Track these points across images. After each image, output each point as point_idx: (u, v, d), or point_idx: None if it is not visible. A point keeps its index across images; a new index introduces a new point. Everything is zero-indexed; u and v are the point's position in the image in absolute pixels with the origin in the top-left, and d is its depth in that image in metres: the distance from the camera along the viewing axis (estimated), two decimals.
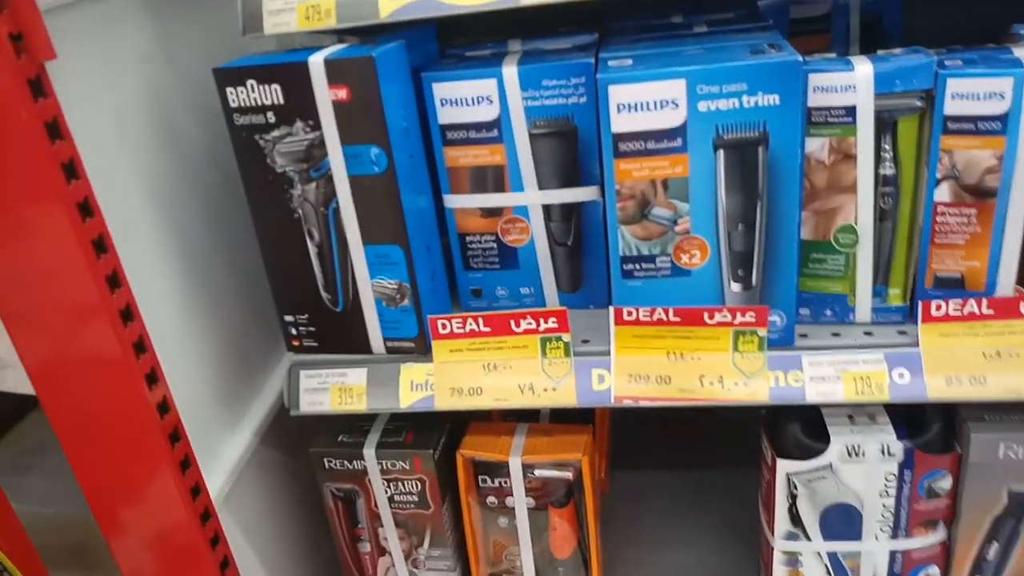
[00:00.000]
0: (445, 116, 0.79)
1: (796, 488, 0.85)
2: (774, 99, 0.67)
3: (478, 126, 0.79)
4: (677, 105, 0.68)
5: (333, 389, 0.83)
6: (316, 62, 0.71)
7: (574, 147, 0.79)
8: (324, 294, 0.81)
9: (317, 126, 0.73)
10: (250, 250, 0.82)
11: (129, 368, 0.67)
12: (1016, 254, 0.72)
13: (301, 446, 0.94)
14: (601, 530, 1.04)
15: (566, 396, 0.79)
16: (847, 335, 0.78)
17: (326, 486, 0.95)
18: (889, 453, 0.81)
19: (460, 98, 0.78)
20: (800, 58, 0.65)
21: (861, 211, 0.73)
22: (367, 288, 0.80)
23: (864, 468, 0.82)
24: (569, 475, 0.91)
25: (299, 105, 0.73)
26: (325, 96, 0.72)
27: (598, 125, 0.76)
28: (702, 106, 0.68)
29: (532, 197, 0.82)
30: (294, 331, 0.84)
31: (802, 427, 0.84)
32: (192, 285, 0.83)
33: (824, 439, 0.84)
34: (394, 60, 0.73)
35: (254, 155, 0.76)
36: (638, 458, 1.24)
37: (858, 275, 0.76)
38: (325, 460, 0.93)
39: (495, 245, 0.85)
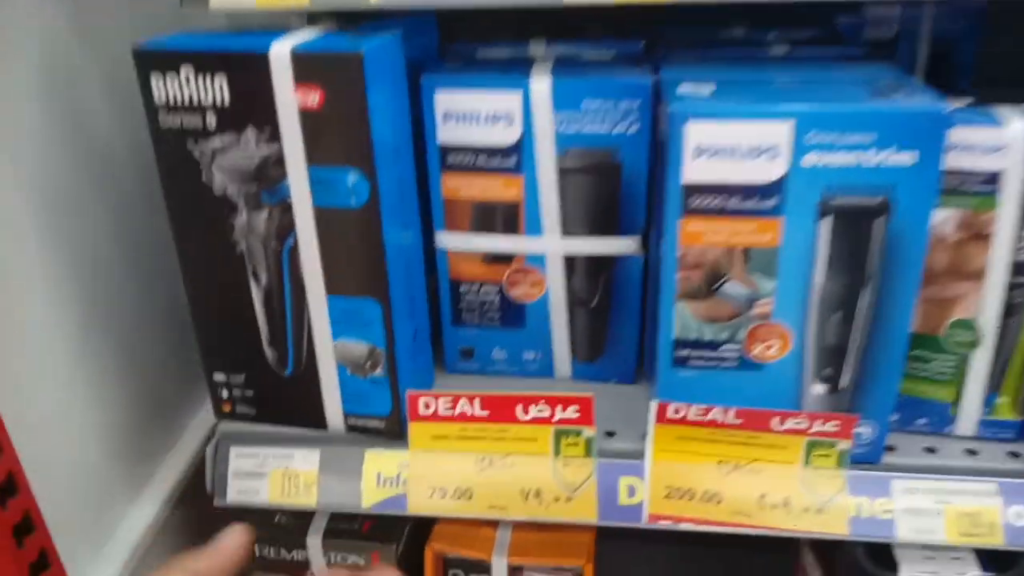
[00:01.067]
0: (448, 134, 0.59)
1: None
2: (908, 158, 0.49)
3: (491, 151, 0.59)
4: (776, 155, 0.50)
5: (274, 474, 0.63)
6: (280, 54, 0.51)
7: (615, 188, 0.60)
8: (269, 351, 0.61)
9: (275, 137, 0.53)
10: (172, 274, 0.61)
11: None
12: None
13: (225, 521, 0.74)
14: None
15: (584, 509, 0.60)
16: (945, 452, 0.61)
17: None
18: None
19: (471, 113, 0.58)
20: (945, 108, 0.48)
21: (988, 304, 0.56)
22: (327, 349, 0.60)
23: None
24: None
25: (251, 108, 0.53)
26: (289, 100, 0.52)
27: (653, 165, 0.58)
28: (809, 160, 0.49)
29: (553, 244, 0.63)
30: (225, 393, 0.64)
31: (866, 549, 0.68)
32: (91, 312, 0.62)
33: (889, 565, 0.68)
34: (387, 58, 0.53)
35: (184, 168, 0.55)
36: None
37: (969, 381, 0.59)
38: (257, 547, 0.73)
39: (497, 299, 0.66)
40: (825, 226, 0.51)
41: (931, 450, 0.61)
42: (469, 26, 0.69)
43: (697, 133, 0.49)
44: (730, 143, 0.50)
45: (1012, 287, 0.56)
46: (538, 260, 0.64)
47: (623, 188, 0.60)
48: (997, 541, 0.57)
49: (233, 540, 0.49)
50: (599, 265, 0.63)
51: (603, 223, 0.61)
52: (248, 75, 0.51)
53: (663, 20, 0.72)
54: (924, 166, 0.49)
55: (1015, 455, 0.60)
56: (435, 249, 0.65)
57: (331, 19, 0.63)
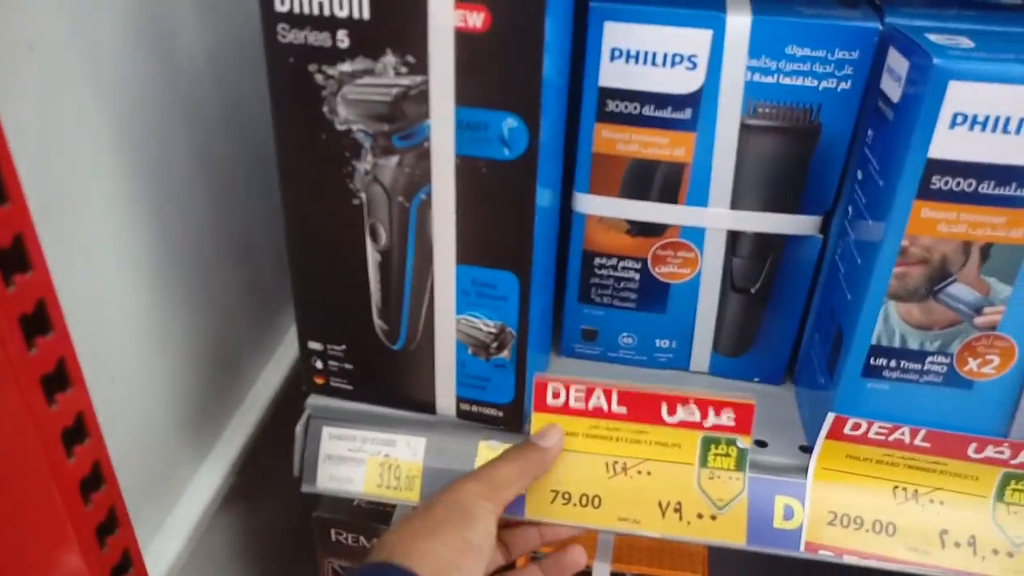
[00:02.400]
0: (612, 76, 0.49)
1: None
2: None
3: (663, 99, 0.50)
4: None
5: (371, 463, 0.55)
6: None
7: (807, 155, 0.50)
8: (378, 322, 0.52)
9: (421, 67, 0.43)
10: (248, 211, 0.52)
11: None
12: None
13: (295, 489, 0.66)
14: None
15: (730, 530, 0.52)
16: None
17: (329, 562, 0.68)
18: None
19: (645, 52, 0.48)
20: None
21: None
22: (448, 325, 0.51)
23: None
24: None
25: (395, 26, 0.43)
26: (446, 19, 0.42)
27: (857, 130, 0.48)
28: None
29: (718, 217, 0.53)
30: (319, 363, 0.55)
31: None
32: (164, 251, 0.53)
33: None
34: None
35: (304, 95, 0.46)
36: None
37: None
38: (333, 531, 0.65)
39: (638, 275, 0.56)
40: None
41: None
42: None
43: (960, 96, 0.39)
44: (997, 111, 0.40)
45: None
46: (696, 235, 0.54)
47: (817, 156, 0.50)
48: None
49: (557, 438, 0.52)
50: (768, 245, 0.54)
51: (783, 196, 0.52)
52: None
53: None
54: None
55: None
56: (571, 213, 0.55)
57: None
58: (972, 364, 0.47)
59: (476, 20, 0.41)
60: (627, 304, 0.58)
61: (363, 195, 0.48)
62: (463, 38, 0.42)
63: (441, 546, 0.43)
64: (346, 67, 0.44)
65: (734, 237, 0.54)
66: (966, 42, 0.42)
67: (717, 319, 0.58)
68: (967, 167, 0.41)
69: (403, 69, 0.44)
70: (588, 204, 0.54)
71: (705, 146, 0.50)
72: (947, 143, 0.41)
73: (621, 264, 0.56)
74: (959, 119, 0.40)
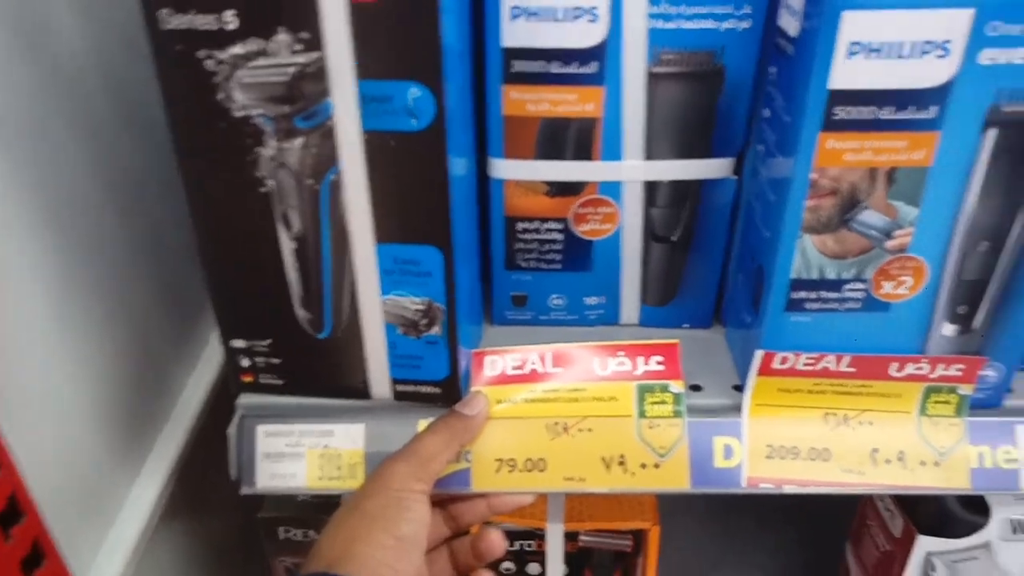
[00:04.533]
0: (515, 35, 0.49)
1: (934, 569, 0.64)
2: None
3: (568, 55, 0.49)
4: (947, 51, 0.41)
5: (310, 455, 0.54)
6: None
7: (713, 98, 0.50)
8: (301, 312, 0.51)
9: (316, 43, 0.41)
10: (158, 211, 0.50)
11: None
12: None
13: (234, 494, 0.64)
14: None
15: (674, 476, 0.53)
16: None
17: (280, 561, 0.66)
18: None
19: (546, 7, 0.47)
20: None
21: None
22: (375, 308, 0.50)
23: None
24: (627, 547, 0.66)
25: (285, 3, 0.41)
26: None
27: (760, 70, 0.48)
28: (985, 56, 0.41)
29: (634, 170, 0.53)
30: (246, 361, 0.54)
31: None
32: (70, 260, 0.51)
33: (981, 509, 0.63)
34: None
35: (194, 84, 0.43)
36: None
37: None
38: (281, 529, 0.64)
39: (561, 236, 0.56)
40: (989, 139, 0.43)
41: None
42: None
43: (854, 25, 0.40)
44: (893, 38, 0.40)
45: None
46: (613, 189, 0.54)
47: (723, 99, 0.50)
48: None
49: (482, 405, 0.52)
50: (684, 192, 0.54)
51: (695, 142, 0.52)
52: None
53: None
54: None
55: None
56: (488, 179, 0.54)
57: None
58: (887, 287, 0.49)
59: None
60: (553, 266, 0.58)
61: (270, 182, 0.46)
62: (357, 9, 0.40)
63: (375, 549, 0.43)
64: (237, 49, 0.42)
65: (651, 188, 0.54)
66: None
67: (642, 271, 0.58)
68: (867, 95, 0.42)
69: (298, 47, 0.42)
70: (504, 169, 0.54)
71: (614, 99, 0.50)
72: (846, 73, 0.41)
73: (544, 227, 0.56)
74: (855, 48, 0.41)
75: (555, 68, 0.49)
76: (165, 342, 0.64)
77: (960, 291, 0.48)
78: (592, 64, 0.49)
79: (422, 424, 0.53)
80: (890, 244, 0.47)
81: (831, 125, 0.43)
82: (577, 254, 0.57)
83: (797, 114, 0.43)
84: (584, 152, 0.52)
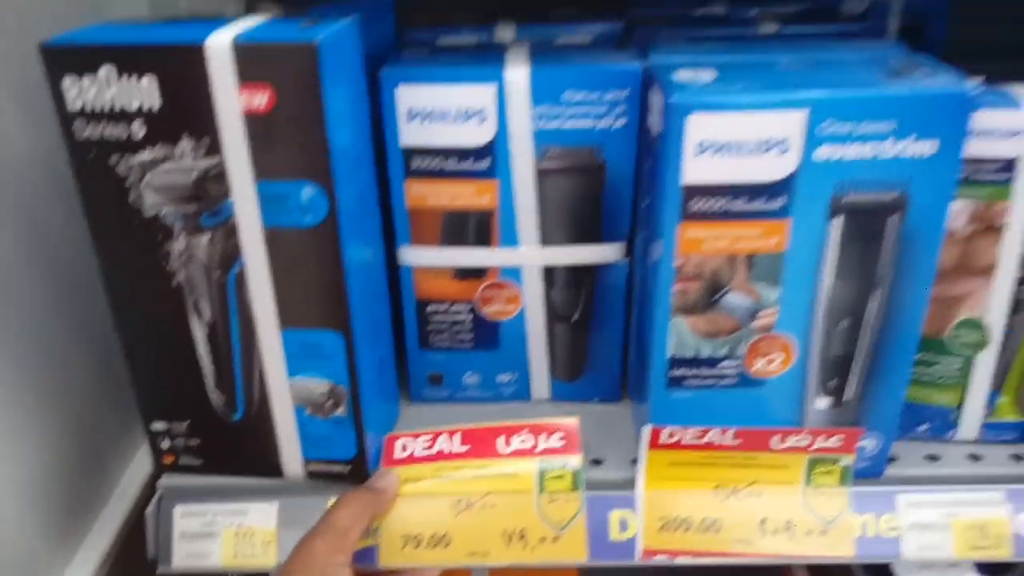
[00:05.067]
0: (412, 135, 0.53)
1: None
2: (926, 148, 0.45)
3: (462, 152, 0.53)
4: (786, 149, 0.45)
5: (226, 534, 0.56)
6: (219, 46, 0.43)
7: (598, 190, 0.55)
8: (215, 394, 0.54)
9: (215, 148, 0.46)
10: (97, 303, 0.53)
11: None
12: None
13: None
14: None
15: (571, 549, 0.55)
16: (948, 459, 0.58)
17: None
18: None
19: (439, 110, 0.52)
20: (970, 87, 0.44)
21: (995, 302, 0.53)
22: (282, 390, 0.53)
23: None
24: None
25: (186, 113, 0.45)
26: (232, 102, 0.44)
27: (640, 163, 0.53)
28: (822, 153, 0.45)
29: (531, 255, 0.57)
30: (166, 443, 0.56)
31: (864, 565, 0.65)
32: (6, 358, 0.53)
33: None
34: (344, 48, 0.47)
35: (109, 187, 0.47)
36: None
37: (973, 384, 0.56)
38: None
39: (469, 317, 0.60)
40: (836, 226, 0.47)
41: (934, 458, 0.58)
42: (428, 8, 0.62)
43: (700, 127, 0.44)
44: (736, 137, 0.45)
45: (1022, 281, 0.53)
46: (514, 273, 0.58)
47: (607, 190, 0.54)
48: (1005, 553, 0.54)
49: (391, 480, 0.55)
50: (580, 275, 0.58)
51: (585, 229, 0.56)
52: (182, 73, 0.44)
53: None
54: (944, 155, 0.45)
55: (1018, 458, 0.58)
56: (398, 266, 0.58)
57: (274, 5, 0.56)
58: (759, 364, 0.52)
59: (260, 101, 0.44)
60: (464, 345, 0.61)
61: (181, 274, 0.50)
62: (251, 118, 0.45)
63: None
64: (146, 155, 0.46)
65: (549, 271, 0.58)
66: (709, 76, 0.47)
67: (548, 348, 0.61)
68: (719, 189, 0.46)
69: (200, 152, 0.46)
70: (411, 256, 0.57)
71: (507, 192, 0.54)
72: (697, 170, 0.46)
73: (452, 308, 0.59)
74: (703, 147, 0.45)
75: (451, 165, 0.54)
76: (104, 428, 0.65)
77: (828, 366, 0.52)
78: (485, 160, 0.53)
79: (332, 502, 0.55)
80: (756, 324, 0.50)
81: (689, 216, 0.47)
82: (485, 334, 0.60)
83: (660, 206, 0.47)
84: (484, 239, 0.56)
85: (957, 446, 0.59)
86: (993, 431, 0.58)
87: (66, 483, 0.60)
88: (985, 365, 0.56)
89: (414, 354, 0.62)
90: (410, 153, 0.54)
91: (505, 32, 0.59)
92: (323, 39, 0.43)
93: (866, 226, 0.47)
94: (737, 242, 0.48)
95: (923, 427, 0.59)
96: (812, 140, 0.45)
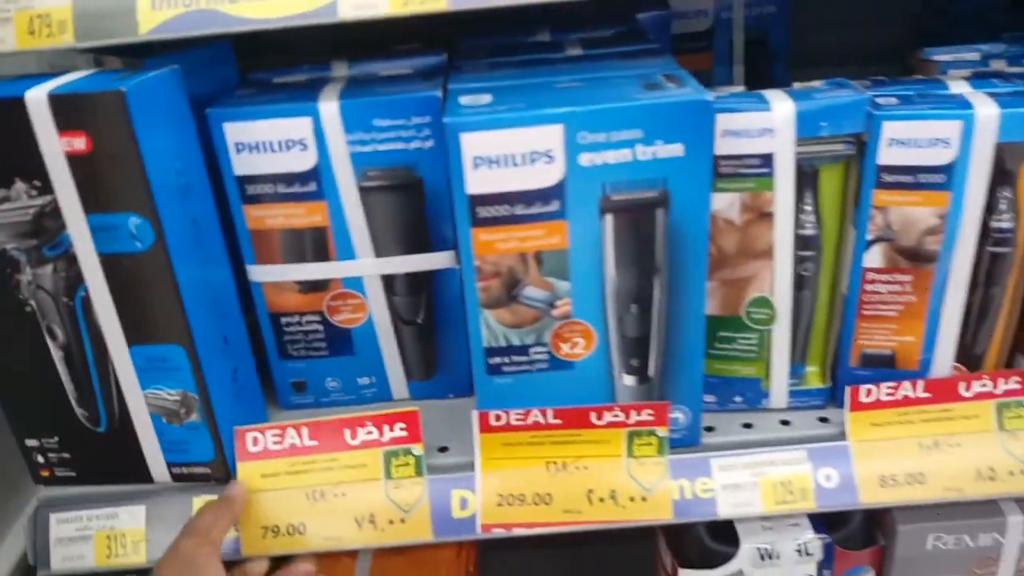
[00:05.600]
0: (243, 166, 0.59)
1: None
2: (677, 150, 0.51)
3: (288, 178, 0.59)
4: (552, 158, 0.51)
5: (98, 537, 0.61)
6: (36, 98, 0.49)
7: (419, 203, 0.60)
8: (78, 410, 0.59)
9: (47, 188, 0.51)
10: None
11: None
12: (955, 327, 0.60)
13: None
14: None
15: (418, 529, 0.60)
16: (761, 426, 0.64)
17: None
18: (807, 553, 0.68)
19: (263, 143, 0.58)
20: (709, 96, 0.50)
21: (778, 280, 0.59)
22: (138, 401, 0.58)
23: (779, 572, 0.69)
24: None
25: (17, 159, 0.51)
26: (54, 146, 0.50)
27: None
28: (584, 159, 0.51)
29: (366, 266, 0.62)
30: (40, 457, 0.61)
31: (708, 528, 0.70)
32: None
33: (731, 539, 0.70)
34: (159, 94, 0.52)
35: None
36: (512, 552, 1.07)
37: (774, 355, 0.62)
38: None
39: (321, 327, 0.65)
40: (608, 223, 0.53)
41: (748, 425, 0.64)
42: (271, 48, 0.68)
43: (472, 144, 0.50)
44: (506, 151, 0.51)
45: (799, 261, 0.59)
46: (356, 283, 0.63)
47: (428, 203, 0.60)
48: (809, 506, 0.60)
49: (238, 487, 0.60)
50: (418, 282, 0.64)
51: (414, 240, 0.62)
52: (8, 123, 0.49)
53: (471, 30, 0.73)
54: (695, 155, 0.51)
55: (824, 420, 0.64)
56: (251, 283, 0.64)
57: (117, 60, 0.62)
58: (565, 348, 0.58)
59: (79, 144, 0.50)
60: (321, 353, 0.67)
61: (32, 302, 0.55)
62: (74, 160, 0.50)
63: None
64: None
65: (388, 280, 0.63)
66: (486, 99, 0.53)
67: (400, 351, 0.67)
68: (499, 197, 0.52)
69: (33, 192, 0.51)
70: (258, 273, 0.63)
71: (336, 210, 0.60)
72: (478, 181, 0.51)
73: (303, 319, 0.65)
74: (479, 161, 0.51)
75: (282, 188, 0.59)
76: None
77: (627, 347, 0.57)
78: (311, 184, 0.59)
79: (197, 500, 0.61)
80: (555, 313, 0.56)
81: (478, 222, 0.53)
82: (338, 341, 0.66)
83: (456, 214, 0.53)
84: (322, 254, 0.62)
85: (770, 414, 0.65)
86: (801, 397, 0.64)
87: None
88: (780, 338, 0.61)
89: (275, 364, 0.67)
90: (243, 181, 0.59)
91: (339, 68, 0.65)
92: (131, 87, 0.49)
93: (635, 221, 0.53)
94: (524, 242, 0.53)
95: (738, 399, 0.64)
96: (573, 149, 0.51)
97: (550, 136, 0.50)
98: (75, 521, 0.61)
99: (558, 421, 0.59)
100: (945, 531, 0.68)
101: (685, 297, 0.56)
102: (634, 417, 0.59)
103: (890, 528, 0.69)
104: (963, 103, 0.54)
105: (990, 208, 0.57)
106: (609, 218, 0.53)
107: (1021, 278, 0.59)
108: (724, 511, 0.60)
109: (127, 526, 0.61)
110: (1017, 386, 0.60)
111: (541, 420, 0.59)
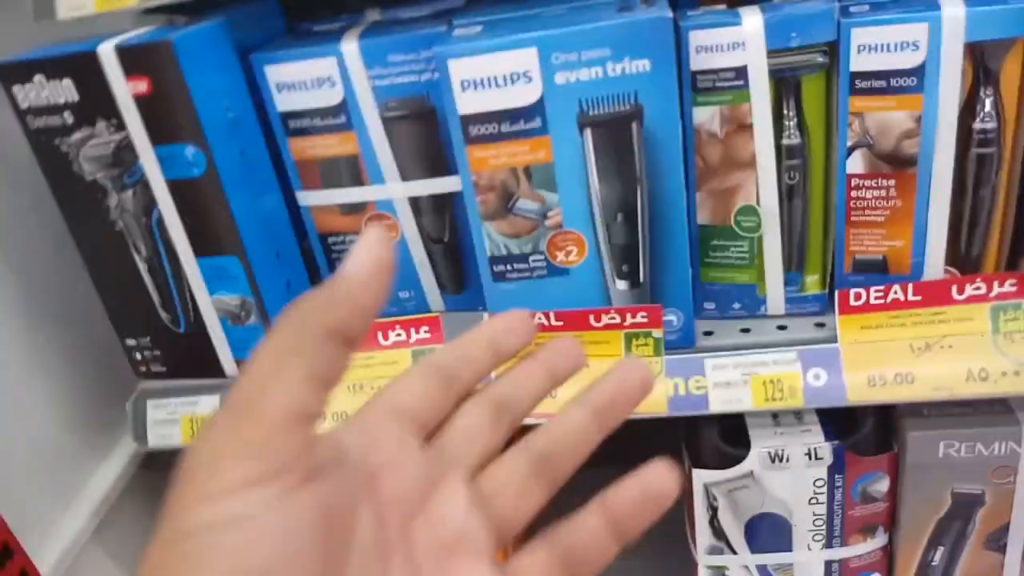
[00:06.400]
0: (284, 103, 0.68)
1: (716, 500, 0.76)
2: (644, 65, 0.56)
3: (322, 112, 0.68)
4: (530, 79, 0.57)
5: (184, 420, 0.73)
6: (107, 50, 0.60)
7: (434, 130, 0.68)
8: (163, 313, 0.71)
9: (121, 125, 0.62)
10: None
11: None
12: (943, 230, 0.62)
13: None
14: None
15: None
16: (758, 331, 0.68)
17: None
18: (816, 457, 0.72)
19: (298, 82, 0.67)
20: (669, 14, 0.54)
21: (763, 189, 0.63)
22: (208, 306, 0.70)
23: (790, 475, 0.73)
24: None
25: (97, 102, 0.62)
26: (124, 90, 0.61)
27: None
28: (560, 78, 0.57)
29: (395, 190, 0.71)
30: (139, 356, 0.74)
31: (721, 431, 0.75)
32: (29, 309, 0.73)
33: (745, 444, 0.74)
34: (204, 43, 0.62)
35: (58, 163, 0.65)
36: None
37: (766, 262, 0.66)
38: None
39: None
40: (587, 137, 0.59)
41: (746, 331, 0.68)
42: (316, 2, 0.77)
43: (459, 69, 0.57)
44: (488, 74, 0.57)
45: (786, 170, 0.62)
46: (387, 206, 0.72)
47: (442, 129, 0.67)
48: (798, 403, 0.64)
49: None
50: (442, 203, 0.71)
51: (435, 164, 0.69)
52: (87, 73, 0.61)
53: None
54: (661, 69, 0.56)
55: (821, 325, 0.67)
56: (301, 208, 0.74)
57: (183, 18, 0.72)
58: (560, 256, 0.64)
59: (142, 87, 0.61)
60: None
61: (120, 222, 0.67)
62: (140, 100, 0.61)
63: None
64: (77, 136, 0.64)
65: (415, 202, 0.71)
66: (477, 30, 0.59)
67: (432, 267, 0.75)
68: (487, 116, 0.59)
69: (112, 129, 0.63)
70: (305, 198, 0.73)
71: (365, 140, 0.68)
72: (467, 102, 0.58)
73: (347, 239, 0.74)
74: (466, 84, 0.58)
75: (316, 123, 0.68)
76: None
77: (618, 254, 0.63)
78: (341, 116, 0.68)
79: None
80: (548, 223, 0.62)
81: (472, 140, 0.60)
82: None
83: (452, 134, 0.60)
84: (356, 180, 0.71)
85: (768, 320, 0.69)
86: (799, 304, 0.68)
87: (95, 405, 0.79)
88: (772, 245, 0.65)
89: (326, 279, 0.77)
90: (286, 116, 0.69)
91: (372, 15, 0.73)
92: (178, 38, 0.59)
93: (612, 134, 0.58)
94: (513, 157, 0.60)
95: (736, 305, 0.69)
96: (548, 69, 0.56)
97: (526, 58, 0.56)
98: (166, 407, 0.73)
99: (560, 323, 0.66)
100: (957, 439, 0.70)
101: (667, 205, 0.61)
102: (629, 319, 0.65)
103: (901, 434, 0.71)
104: (930, 4, 0.55)
105: (973, 110, 0.58)
106: (588, 132, 0.58)
107: (1011, 179, 0.60)
108: (715, 407, 0.65)
109: (205, 412, 0.73)
110: (1013, 289, 0.61)
111: (545, 323, 0.66)
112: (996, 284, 0.61)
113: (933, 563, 0.76)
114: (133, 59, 0.60)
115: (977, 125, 0.58)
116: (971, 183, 0.60)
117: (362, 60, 0.65)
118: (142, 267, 0.69)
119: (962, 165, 0.59)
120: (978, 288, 0.61)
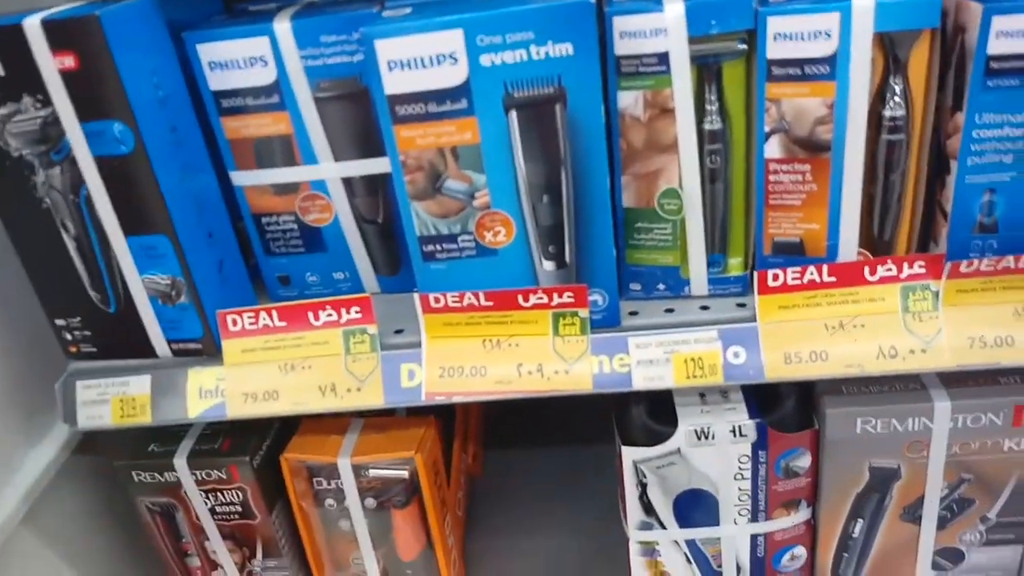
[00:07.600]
0: (216, 82, 0.68)
1: (645, 476, 0.78)
2: (567, 48, 0.57)
3: (255, 91, 0.68)
4: (456, 60, 0.58)
5: (114, 400, 0.73)
6: (33, 25, 0.59)
7: (368, 110, 0.68)
8: (92, 293, 0.71)
9: (47, 101, 0.62)
10: None
11: None
12: (856, 214, 0.64)
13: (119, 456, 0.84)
14: (470, 517, 0.97)
15: (371, 395, 0.70)
16: (682, 311, 0.70)
17: (140, 500, 0.85)
18: (741, 434, 0.74)
19: (230, 60, 0.67)
20: (592, 0, 0.56)
21: (685, 173, 0.65)
22: (138, 285, 0.69)
23: (715, 451, 0.75)
24: (405, 474, 0.82)
25: (24, 77, 0.61)
26: (50, 65, 0.60)
27: None
28: (485, 60, 0.58)
29: (328, 170, 0.71)
30: (68, 336, 0.74)
31: (650, 409, 0.77)
32: None
33: (673, 422, 0.76)
34: (133, 19, 0.62)
35: None
36: (517, 436, 1.16)
37: (689, 244, 0.68)
38: (133, 473, 0.83)
39: (295, 226, 0.75)
40: (512, 119, 0.60)
41: (670, 311, 0.70)
42: None
43: (385, 49, 0.58)
44: (415, 54, 0.58)
45: (707, 154, 0.64)
46: (321, 186, 0.72)
47: (375, 110, 0.68)
48: (718, 380, 0.66)
49: None
50: (375, 184, 0.72)
51: (368, 144, 0.70)
52: (12, 47, 0.60)
53: None
54: (583, 53, 0.57)
55: (742, 305, 0.69)
56: (234, 187, 0.74)
57: None
58: (488, 236, 0.65)
59: (69, 62, 0.60)
60: (298, 249, 0.76)
61: (47, 200, 0.67)
62: (66, 75, 0.61)
63: None
64: (2, 111, 0.63)
65: (349, 182, 0.72)
66: (406, 11, 0.60)
67: (366, 248, 0.76)
68: (413, 96, 0.59)
69: (38, 105, 0.62)
70: (238, 178, 0.73)
71: (297, 119, 0.69)
72: (393, 82, 0.59)
73: (280, 219, 0.75)
74: (392, 65, 0.58)
75: (249, 102, 0.69)
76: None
77: (544, 235, 0.64)
78: (274, 96, 0.68)
79: (191, 371, 0.72)
80: (476, 203, 0.63)
81: (398, 120, 0.60)
82: (312, 239, 0.75)
83: (380, 113, 0.61)
84: (289, 160, 0.71)
85: (692, 300, 0.71)
86: (722, 285, 0.70)
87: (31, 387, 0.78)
88: (694, 227, 0.67)
89: (262, 260, 0.77)
90: (218, 95, 0.69)
91: None
92: (104, 13, 0.59)
93: (536, 116, 0.59)
94: (440, 138, 0.61)
95: (661, 287, 0.70)
96: (474, 51, 0.58)
97: (452, 40, 0.57)
98: (95, 387, 0.73)
99: (489, 303, 0.67)
100: (874, 415, 0.73)
101: (591, 187, 0.62)
102: (556, 299, 0.66)
103: (821, 411, 0.74)
104: None
105: (883, 97, 0.60)
106: (513, 114, 0.60)
107: (920, 165, 0.62)
108: (638, 384, 0.67)
109: (136, 392, 0.72)
110: (921, 270, 0.64)
111: (475, 303, 0.67)
112: (906, 266, 0.64)
113: (853, 535, 0.79)
114: (59, 33, 0.59)
115: (887, 112, 0.60)
116: (882, 168, 0.62)
117: (294, 40, 0.66)
118: (71, 245, 0.68)
119: (873, 151, 0.62)
120: (889, 269, 0.64)
